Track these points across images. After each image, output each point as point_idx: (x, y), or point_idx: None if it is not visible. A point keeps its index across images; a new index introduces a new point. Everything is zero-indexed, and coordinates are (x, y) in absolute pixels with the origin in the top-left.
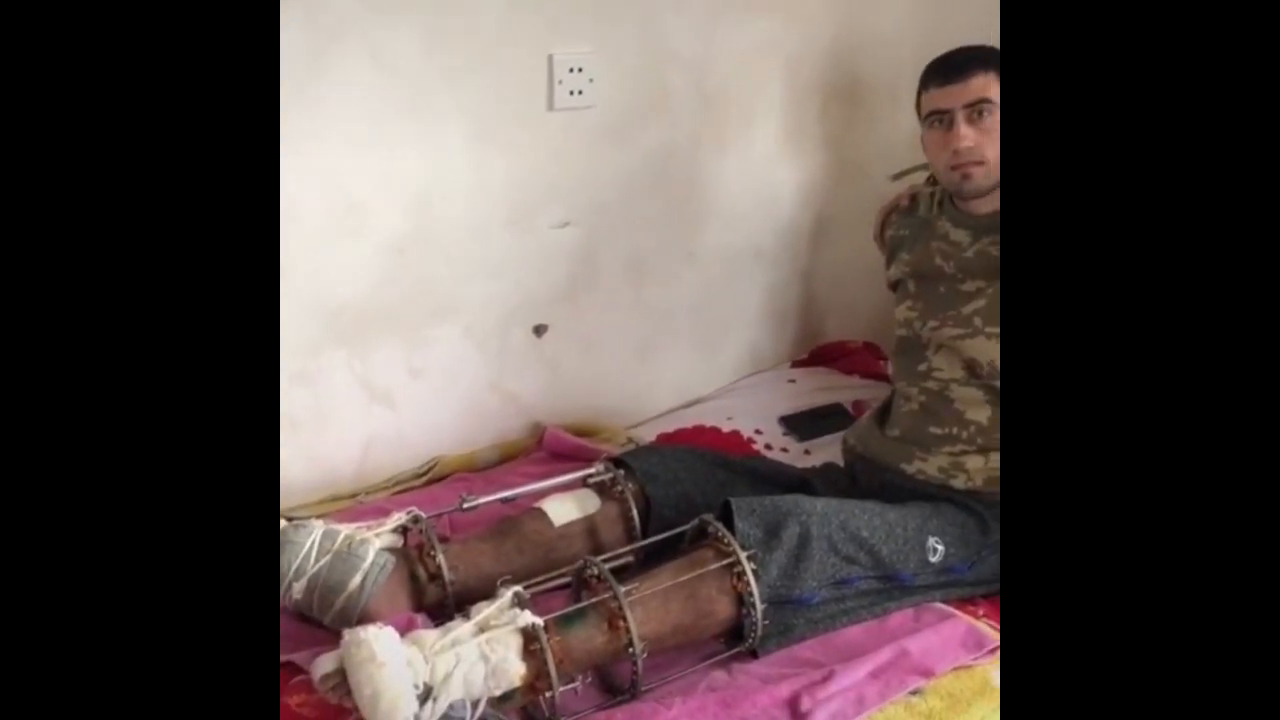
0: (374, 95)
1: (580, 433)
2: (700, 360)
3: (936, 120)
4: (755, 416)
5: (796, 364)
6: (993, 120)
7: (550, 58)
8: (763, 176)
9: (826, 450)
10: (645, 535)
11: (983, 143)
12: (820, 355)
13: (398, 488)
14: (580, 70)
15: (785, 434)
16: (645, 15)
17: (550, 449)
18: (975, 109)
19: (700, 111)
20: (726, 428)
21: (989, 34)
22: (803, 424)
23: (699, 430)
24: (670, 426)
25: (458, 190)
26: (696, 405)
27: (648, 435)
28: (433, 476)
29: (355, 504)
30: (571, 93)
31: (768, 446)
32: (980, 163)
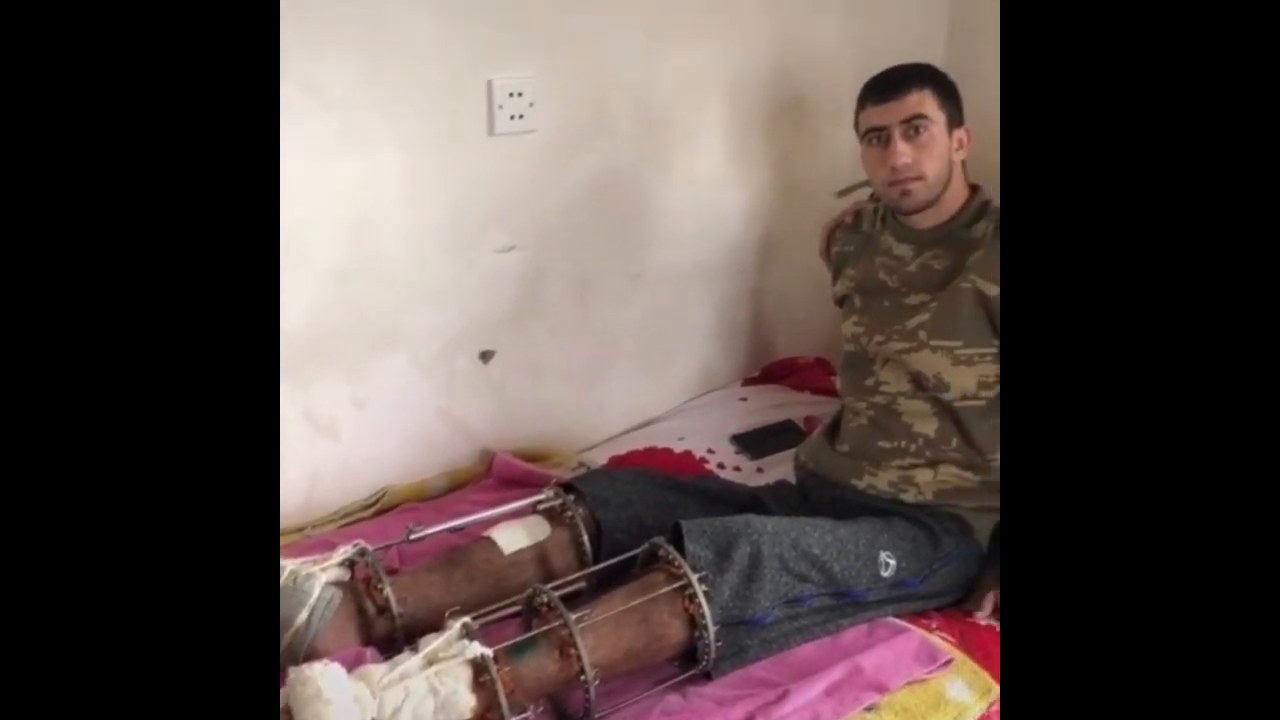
0: (310, 125)
1: (530, 458)
2: (651, 381)
3: (874, 137)
4: (707, 436)
5: (748, 382)
6: (929, 135)
7: (490, 83)
8: (708, 197)
9: (779, 468)
10: (597, 560)
11: (920, 158)
12: (771, 372)
13: (346, 520)
14: (521, 94)
15: (738, 453)
16: (584, 39)
17: (500, 475)
18: (911, 125)
19: (643, 133)
20: (678, 448)
21: (927, 50)
22: (755, 442)
23: (651, 452)
24: (622, 449)
25: (398, 218)
26: (648, 426)
27: (599, 458)
28: (382, 507)
29: (303, 538)
30: (512, 117)
31: (720, 466)
32: (919, 178)
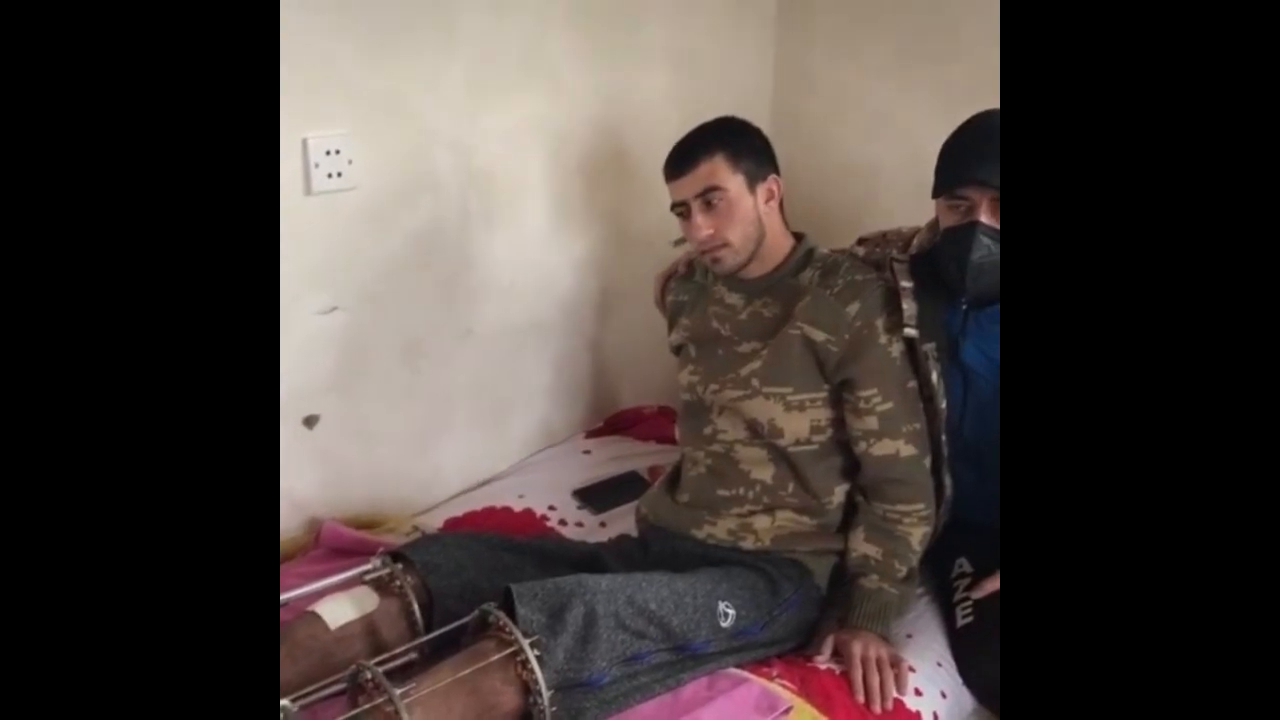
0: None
1: (362, 525)
2: (488, 439)
3: (678, 209)
4: (548, 492)
5: (591, 434)
6: (725, 204)
7: (305, 141)
8: (537, 252)
9: (622, 520)
10: (430, 630)
11: (721, 227)
12: (615, 423)
13: None
14: (338, 152)
15: (579, 507)
16: (401, 95)
17: (328, 545)
18: (704, 198)
19: (467, 190)
20: (518, 506)
21: (753, 100)
22: (597, 496)
23: (489, 511)
24: (459, 510)
25: None
26: (487, 485)
27: (435, 522)
28: None
29: None
30: (330, 175)
31: (562, 522)
32: (724, 245)
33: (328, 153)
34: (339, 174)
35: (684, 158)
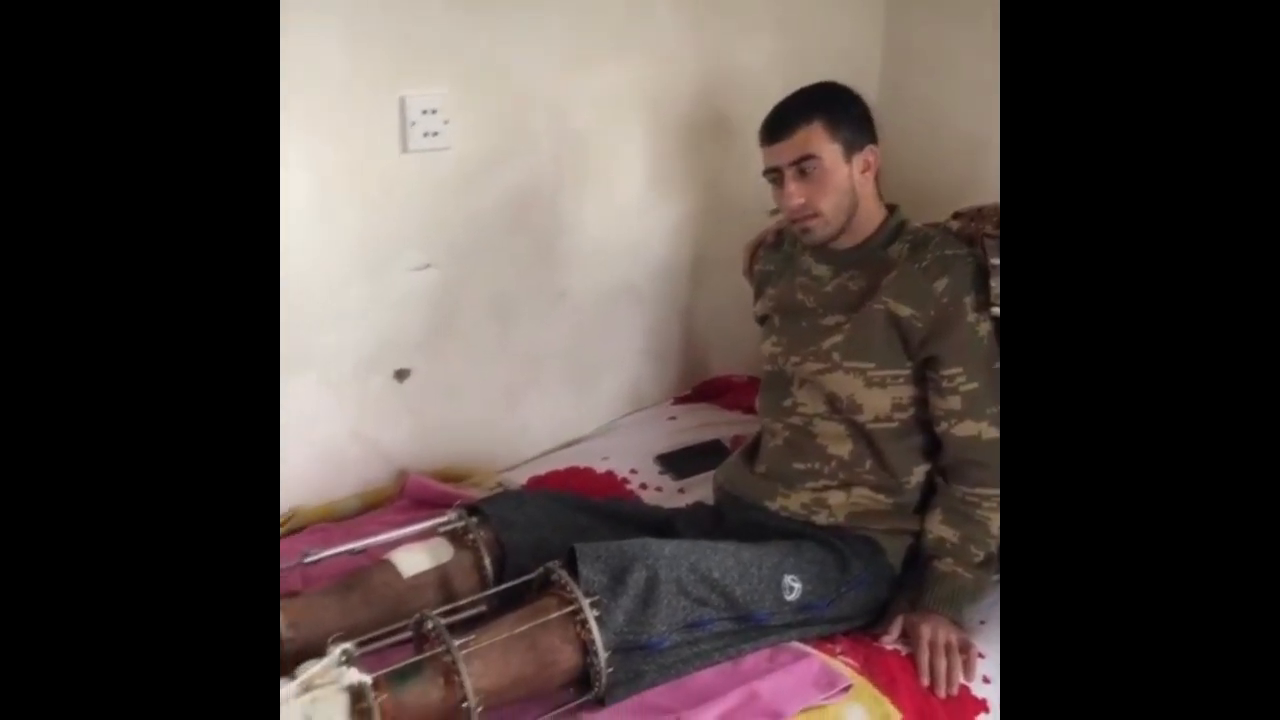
0: None
1: (449, 478)
2: (576, 400)
3: (770, 177)
4: (632, 456)
5: (679, 400)
6: (820, 172)
7: (402, 100)
8: (632, 217)
9: (701, 488)
10: (500, 584)
11: (814, 196)
12: (704, 391)
13: None
14: (435, 112)
15: (661, 473)
16: (500, 56)
17: (413, 496)
18: (799, 166)
19: (562, 153)
20: (601, 468)
21: (861, 68)
22: (679, 462)
23: (572, 471)
24: (544, 469)
25: (308, 236)
26: (573, 446)
27: (520, 478)
28: (291, 528)
29: None
30: (426, 134)
31: (643, 486)
32: (816, 215)
33: (424, 111)
34: (435, 133)
35: (781, 123)
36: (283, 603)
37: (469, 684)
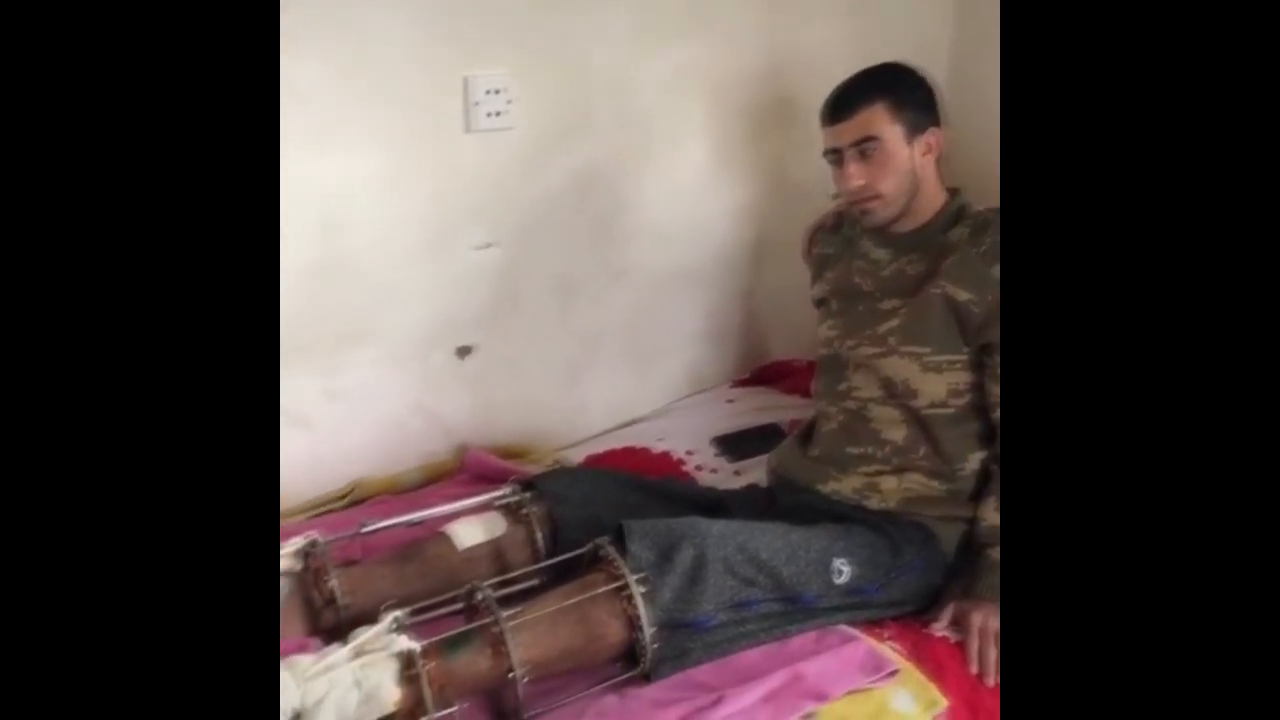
0: (283, 121)
1: (508, 454)
2: (635, 381)
3: (830, 158)
4: (688, 437)
5: (738, 384)
6: (882, 154)
7: (465, 80)
8: (693, 198)
9: (757, 471)
10: (554, 559)
11: (875, 178)
12: (763, 375)
13: (317, 511)
14: (499, 92)
15: (717, 455)
16: (564, 37)
17: (472, 471)
18: (860, 148)
19: (624, 133)
20: (657, 449)
21: (930, 51)
22: (735, 444)
23: (629, 451)
24: (600, 448)
25: (372, 214)
26: (631, 426)
27: (577, 457)
28: (354, 499)
29: None
30: (489, 114)
31: (698, 468)
32: (876, 197)
33: (487, 92)
34: (498, 113)
35: (843, 104)
36: (342, 570)
37: (516, 654)
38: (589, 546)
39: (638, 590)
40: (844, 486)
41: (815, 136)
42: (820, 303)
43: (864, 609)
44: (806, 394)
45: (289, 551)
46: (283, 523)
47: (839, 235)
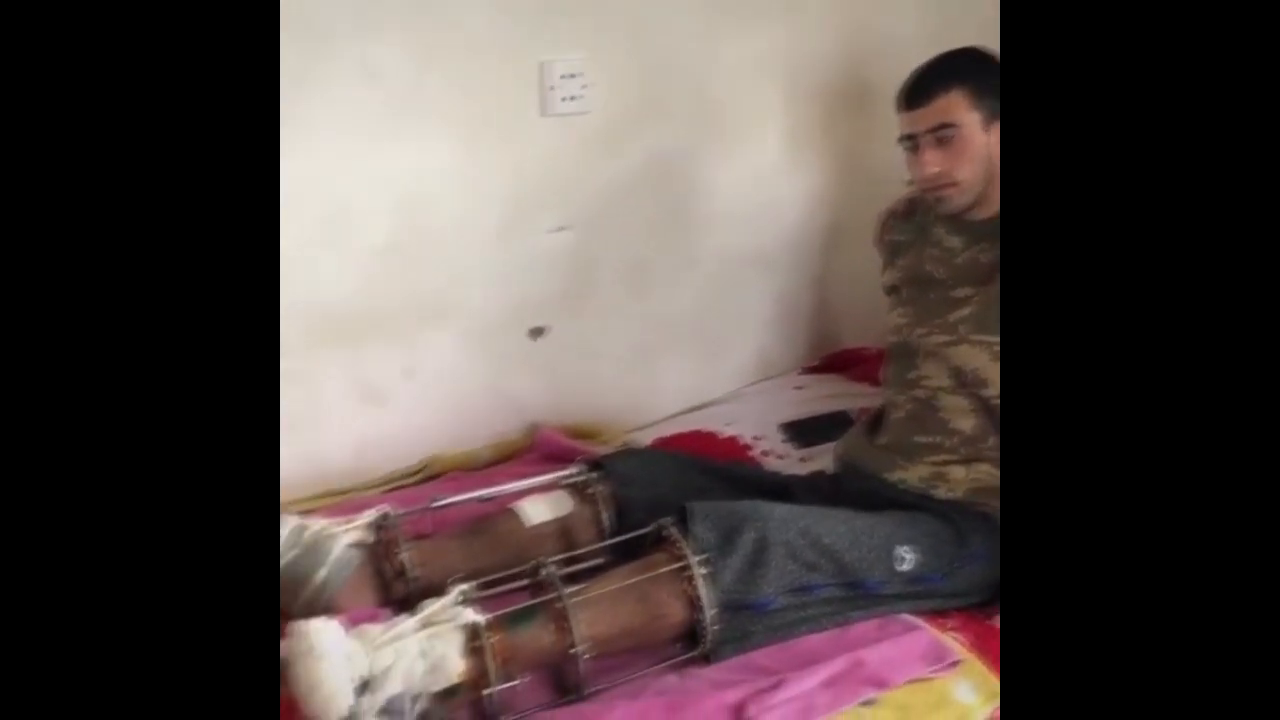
0: (364, 104)
1: (579, 435)
2: (705, 366)
3: (906, 144)
4: (756, 423)
5: (807, 370)
6: (960, 141)
7: (542, 64)
8: (767, 184)
9: (824, 458)
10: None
11: (952, 165)
12: (833, 362)
13: (391, 485)
14: (575, 76)
15: (784, 441)
16: (640, 21)
17: (543, 450)
18: (936, 134)
19: (699, 118)
20: (725, 433)
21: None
22: (803, 431)
23: (696, 435)
24: (669, 431)
25: (449, 196)
26: (699, 410)
27: (645, 439)
28: (427, 474)
29: (348, 500)
30: (564, 99)
31: (765, 453)
32: (952, 184)
33: (564, 76)
34: (574, 98)
35: (921, 89)
36: (412, 543)
37: (579, 630)
38: (652, 527)
39: (699, 571)
40: (911, 475)
41: (890, 122)
42: (891, 290)
43: (928, 598)
44: (876, 382)
45: (361, 524)
46: (356, 496)
47: (912, 222)
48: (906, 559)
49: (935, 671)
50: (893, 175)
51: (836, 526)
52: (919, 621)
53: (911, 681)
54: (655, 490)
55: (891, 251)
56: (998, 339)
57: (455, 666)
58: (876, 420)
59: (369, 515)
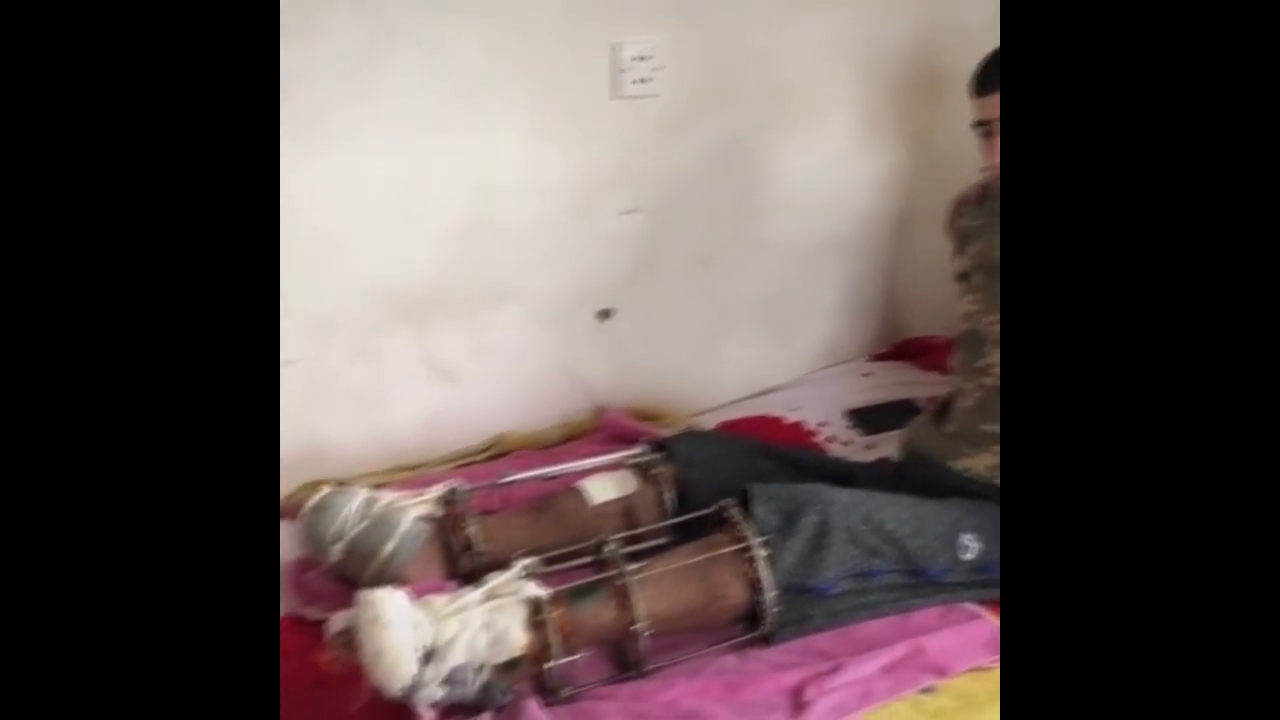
0: (434, 85)
1: (645, 416)
2: (773, 350)
3: (979, 130)
4: (822, 409)
5: (875, 358)
6: None
7: (613, 47)
8: (837, 170)
9: (890, 446)
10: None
11: None
12: (903, 350)
13: (460, 462)
14: (645, 59)
15: (850, 428)
16: (710, 4)
17: (609, 431)
18: None
19: (770, 102)
20: (790, 419)
21: None
22: (869, 418)
23: (761, 420)
24: (734, 415)
25: (519, 177)
26: (766, 395)
27: (710, 423)
28: (495, 452)
29: (417, 475)
30: (635, 81)
31: (829, 440)
32: None
33: (635, 59)
34: (645, 80)
35: (993, 75)
36: (479, 519)
37: (640, 608)
38: (714, 508)
39: (760, 553)
40: (977, 464)
41: (963, 108)
42: (962, 277)
43: (992, 588)
44: (945, 371)
45: (430, 498)
46: (425, 471)
47: (984, 209)
48: (971, 548)
49: (997, 661)
50: (965, 163)
51: (900, 513)
52: (982, 611)
53: (972, 670)
54: (718, 473)
55: (962, 238)
56: None
57: (518, 639)
58: (944, 408)
59: (437, 490)
